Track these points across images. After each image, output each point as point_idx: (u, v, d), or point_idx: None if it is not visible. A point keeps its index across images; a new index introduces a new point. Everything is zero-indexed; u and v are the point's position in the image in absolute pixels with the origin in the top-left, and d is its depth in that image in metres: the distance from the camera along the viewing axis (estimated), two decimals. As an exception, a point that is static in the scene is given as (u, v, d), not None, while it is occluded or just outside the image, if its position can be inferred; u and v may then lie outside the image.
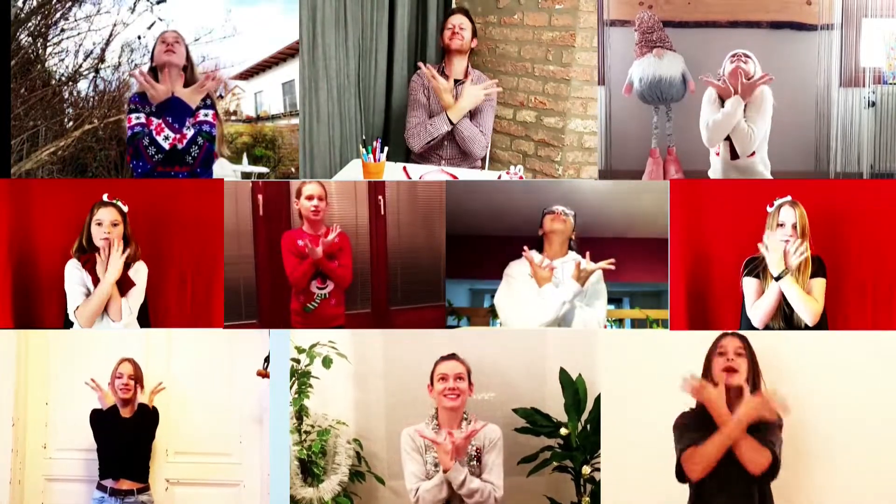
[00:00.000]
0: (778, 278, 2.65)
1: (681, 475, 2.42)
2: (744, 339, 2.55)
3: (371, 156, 3.43)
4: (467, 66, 4.06)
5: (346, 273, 3.04)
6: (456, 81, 4.02)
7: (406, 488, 2.64)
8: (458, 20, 4.05)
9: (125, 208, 2.86)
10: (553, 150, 4.03)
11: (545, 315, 2.89)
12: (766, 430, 2.40)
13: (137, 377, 2.88)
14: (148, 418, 2.89)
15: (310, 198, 2.99)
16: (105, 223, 2.81)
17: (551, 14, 4.01)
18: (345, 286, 3.05)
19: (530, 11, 4.14)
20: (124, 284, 2.80)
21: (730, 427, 2.38)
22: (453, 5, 4.63)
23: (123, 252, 2.78)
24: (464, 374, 2.68)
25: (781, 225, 2.69)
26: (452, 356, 2.71)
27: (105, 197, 2.85)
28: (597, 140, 3.86)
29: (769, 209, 2.73)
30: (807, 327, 2.65)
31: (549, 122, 4.04)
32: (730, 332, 2.59)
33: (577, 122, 3.93)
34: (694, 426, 2.44)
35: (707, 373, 2.54)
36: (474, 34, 4.09)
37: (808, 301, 2.63)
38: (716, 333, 2.59)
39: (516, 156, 4.34)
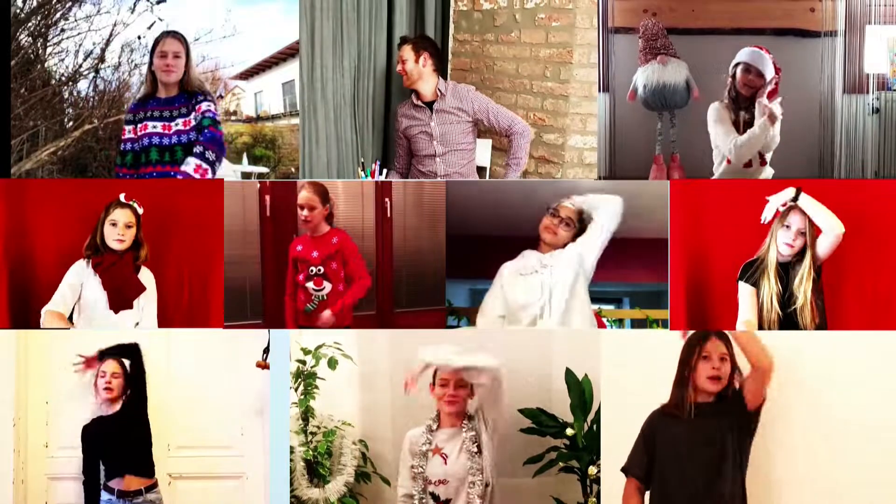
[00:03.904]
0: (795, 198, 2.77)
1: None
2: (728, 342, 2.54)
3: (370, 178, 3.53)
4: (436, 86, 3.99)
5: (361, 281, 3.10)
6: (430, 105, 3.97)
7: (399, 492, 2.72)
8: (402, 53, 3.97)
9: (140, 210, 2.91)
10: (553, 166, 4.05)
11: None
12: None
13: (117, 372, 2.87)
14: (133, 406, 2.86)
15: (301, 207, 3.07)
16: (119, 224, 2.87)
17: (548, 31, 4.04)
18: (360, 294, 3.11)
19: (527, 29, 4.16)
20: (136, 289, 2.91)
21: None
22: (451, 27, 4.63)
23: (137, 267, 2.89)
24: (466, 381, 2.71)
25: (788, 227, 2.78)
26: None
27: (122, 197, 2.90)
28: (596, 156, 3.91)
29: (779, 206, 2.81)
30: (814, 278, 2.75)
31: (548, 139, 4.06)
32: (713, 332, 2.57)
33: (577, 139, 3.95)
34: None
35: (687, 375, 2.53)
36: (434, 54, 4.00)
37: (829, 213, 2.74)
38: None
39: (517, 173, 4.40)
